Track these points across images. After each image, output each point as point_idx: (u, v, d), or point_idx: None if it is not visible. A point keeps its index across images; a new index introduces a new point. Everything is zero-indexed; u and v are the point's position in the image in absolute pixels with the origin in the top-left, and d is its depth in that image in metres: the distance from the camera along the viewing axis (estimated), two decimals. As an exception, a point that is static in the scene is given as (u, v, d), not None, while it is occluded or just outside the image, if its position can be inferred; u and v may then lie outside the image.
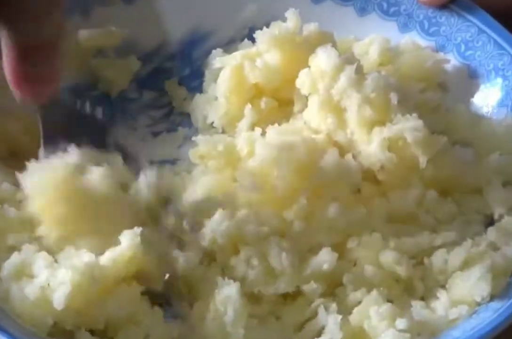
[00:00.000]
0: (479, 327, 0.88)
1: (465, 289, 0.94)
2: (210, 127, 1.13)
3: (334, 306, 0.95)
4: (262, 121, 1.08)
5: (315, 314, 0.95)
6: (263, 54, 1.08)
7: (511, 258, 0.95)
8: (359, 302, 0.94)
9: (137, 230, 0.93)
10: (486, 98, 1.10)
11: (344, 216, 0.98)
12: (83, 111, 1.09)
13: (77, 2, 1.14)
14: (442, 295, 0.95)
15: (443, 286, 0.97)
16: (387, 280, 0.96)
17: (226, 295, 0.93)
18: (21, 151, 1.04)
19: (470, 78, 1.12)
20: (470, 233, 1.01)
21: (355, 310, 0.94)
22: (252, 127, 1.07)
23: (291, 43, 1.07)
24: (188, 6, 1.18)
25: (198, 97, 1.15)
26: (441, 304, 0.95)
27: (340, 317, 0.93)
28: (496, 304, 0.91)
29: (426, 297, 0.97)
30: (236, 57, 1.09)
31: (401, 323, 0.91)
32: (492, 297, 0.92)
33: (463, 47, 1.13)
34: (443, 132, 1.04)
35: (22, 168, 0.98)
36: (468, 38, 1.12)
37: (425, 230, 1.00)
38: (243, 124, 1.09)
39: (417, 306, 0.94)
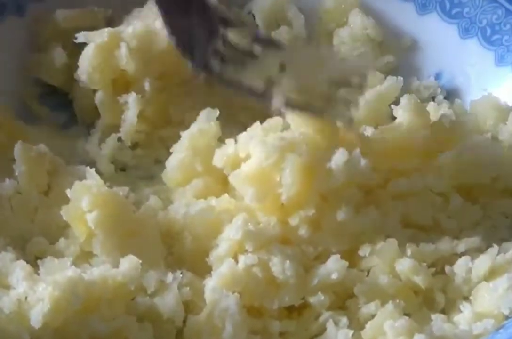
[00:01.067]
0: (507, 343, 0.84)
1: (491, 301, 0.92)
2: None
3: (344, 320, 0.93)
4: (151, 106, 1.05)
5: (323, 329, 0.93)
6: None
7: (543, 267, 0.90)
8: (373, 316, 0.93)
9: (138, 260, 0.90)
10: (514, 88, 1.07)
11: (355, 220, 0.94)
12: None
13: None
14: (466, 308, 0.94)
15: (466, 298, 0.96)
16: (404, 291, 0.95)
17: (224, 308, 0.88)
18: None
19: (496, 66, 1.09)
20: (497, 238, 1.00)
21: (368, 325, 0.93)
22: (140, 117, 1.04)
23: None
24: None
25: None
26: (464, 317, 0.94)
27: (351, 332, 0.91)
28: (525, 318, 0.87)
29: (448, 310, 0.96)
30: (103, 34, 1.05)
31: (419, 339, 0.86)
32: (521, 311, 0.88)
33: (488, 31, 1.11)
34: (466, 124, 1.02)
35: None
36: (494, 21, 1.09)
37: (446, 235, 0.96)
38: (130, 116, 1.04)
39: (437, 320, 0.94)
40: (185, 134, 1.01)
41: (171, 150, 1.03)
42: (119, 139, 1.07)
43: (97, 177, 0.95)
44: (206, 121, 1.02)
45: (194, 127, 1.02)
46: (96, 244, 0.92)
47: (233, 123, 1.05)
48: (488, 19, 1.09)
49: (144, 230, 0.94)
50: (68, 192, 0.93)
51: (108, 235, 0.92)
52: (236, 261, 0.92)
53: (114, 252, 0.92)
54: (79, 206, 0.92)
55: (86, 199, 0.91)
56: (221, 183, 1.00)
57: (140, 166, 1.06)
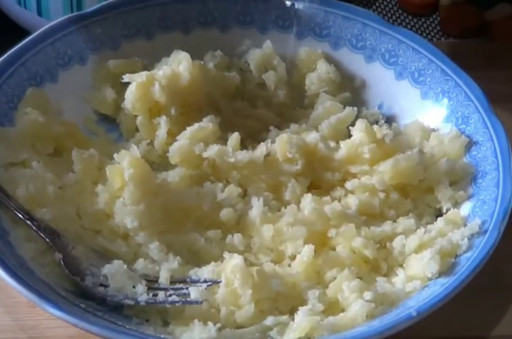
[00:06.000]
0: (429, 298, 0.89)
1: (419, 268, 0.95)
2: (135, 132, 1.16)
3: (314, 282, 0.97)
4: (176, 125, 1.12)
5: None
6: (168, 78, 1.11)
7: (455, 243, 0.96)
8: (334, 278, 0.96)
9: None
10: (435, 116, 1.12)
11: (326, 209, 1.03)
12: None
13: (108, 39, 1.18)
14: (401, 273, 0.97)
15: (401, 265, 0.98)
16: (357, 261, 0.98)
17: (234, 264, 0.93)
18: (64, 150, 1.10)
19: (422, 100, 1.14)
20: (423, 223, 1.03)
21: (331, 285, 0.95)
22: (168, 134, 1.11)
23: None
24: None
25: None
26: (399, 279, 0.96)
27: (319, 291, 0.94)
28: (443, 280, 0.93)
29: (388, 274, 0.98)
30: (142, 76, 1.11)
31: (367, 295, 0.92)
32: (440, 274, 0.94)
33: (416, 74, 1.13)
34: (401, 141, 1.10)
35: (63, 163, 1.06)
36: (420, 67, 1.13)
37: (388, 220, 1.03)
38: (161, 133, 1.11)
39: (380, 281, 0.96)
40: (188, 128, 1.08)
41: (176, 138, 1.09)
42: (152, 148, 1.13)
43: (137, 151, 1.02)
44: (206, 122, 1.09)
45: (196, 125, 1.09)
46: (127, 192, 0.99)
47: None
48: (416, 66, 1.15)
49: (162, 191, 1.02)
50: (115, 156, 1.01)
51: (136, 186, 0.99)
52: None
53: (140, 199, 0.99)
54: (120, 165, 1.00)
55: (126, 160, 1.00)
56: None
57: (163, 164, 1.12)
